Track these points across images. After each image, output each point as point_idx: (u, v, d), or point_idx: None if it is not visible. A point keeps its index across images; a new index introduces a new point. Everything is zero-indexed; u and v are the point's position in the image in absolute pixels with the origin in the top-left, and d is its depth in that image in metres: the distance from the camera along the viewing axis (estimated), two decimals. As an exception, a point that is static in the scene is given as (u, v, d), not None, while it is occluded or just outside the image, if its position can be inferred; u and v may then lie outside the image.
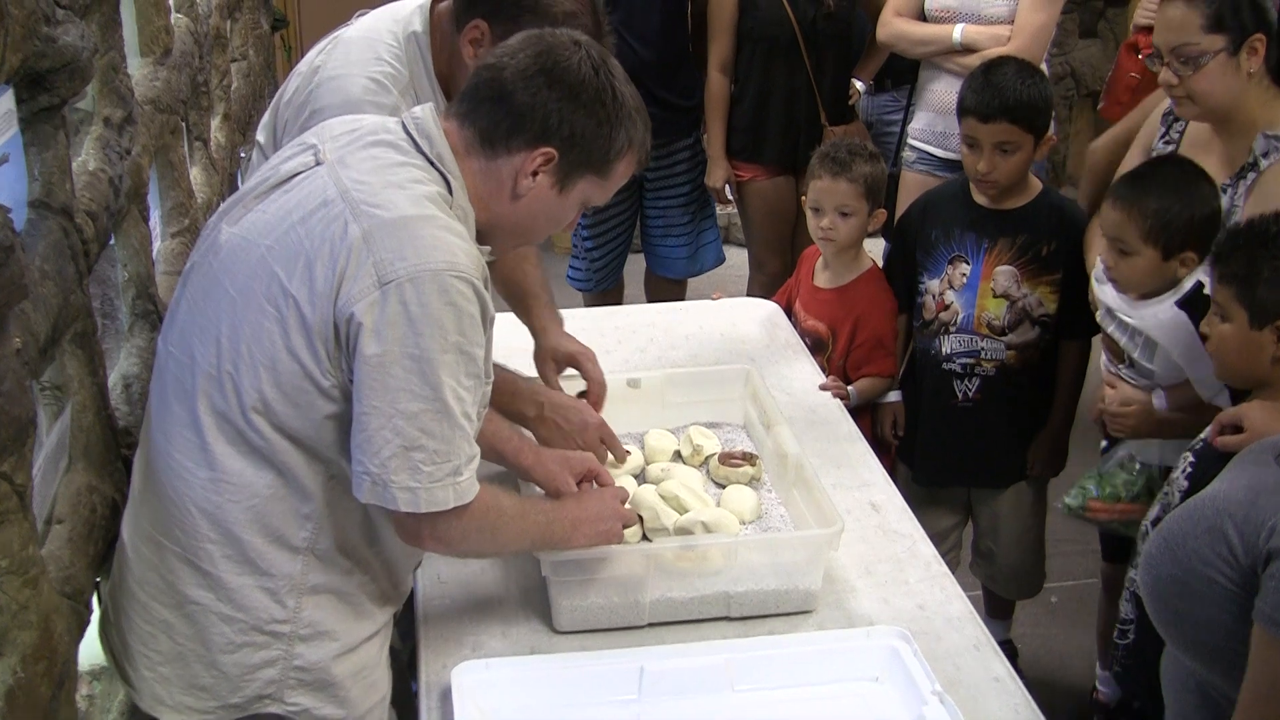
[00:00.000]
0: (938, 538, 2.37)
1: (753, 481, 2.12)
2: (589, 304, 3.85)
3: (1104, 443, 2.51)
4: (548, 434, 2.02)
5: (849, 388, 2.60)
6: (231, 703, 1.60)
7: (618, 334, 2.72)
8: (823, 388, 2.52)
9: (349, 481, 1.54)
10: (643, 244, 3.94)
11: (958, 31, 3.28)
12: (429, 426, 1.49)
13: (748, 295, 3.43)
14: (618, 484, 1.93)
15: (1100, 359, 2.44)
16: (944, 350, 2.67)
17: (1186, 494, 1.86)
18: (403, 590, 1.75)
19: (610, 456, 2.07)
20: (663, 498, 1.97)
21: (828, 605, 1.87)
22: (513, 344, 2.22)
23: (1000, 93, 2.50)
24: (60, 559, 1.46)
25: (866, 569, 1.96)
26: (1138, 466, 2.31)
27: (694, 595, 1.83)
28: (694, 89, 3.70)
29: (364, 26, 2.04)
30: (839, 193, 2.62)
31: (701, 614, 1.84)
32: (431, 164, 1.59)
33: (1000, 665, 1.77)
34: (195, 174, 2.52)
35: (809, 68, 3.54)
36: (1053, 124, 2.62)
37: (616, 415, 2.15)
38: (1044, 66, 3.22)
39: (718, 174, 3.69)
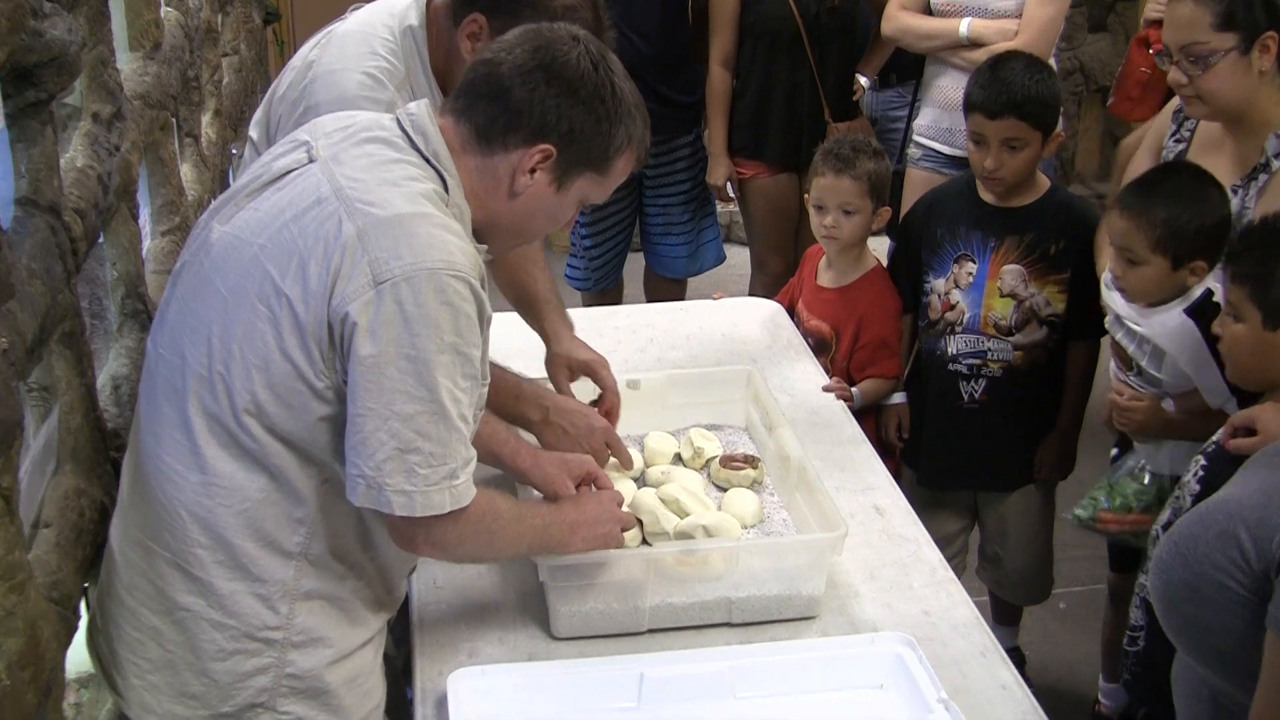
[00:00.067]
0: (943, 542, 2.36)
1: (754, 485, 2.10)
2: (587, 303, 3.84)
3: (1114, 450, 2.50)
4: (553, 438, 2.02)
5: (853, 389, 2.59)
6: (222, 712, 1.59)
7: (617, 334, 2.71)
8: (826, 389, 2.51)
9: (343, 485, 1.53)
10: (642, 242, 3.93)
11: (964, 25, 3.27)
12: (425, 429, 1.48)
13: (749, 295, 3.43)
14: (616, 487, 1.92)
15: (1110, 365, 2.42)
16: (950, 351, 2.65)
17: (1198, 497, 1.85)
18: (397, 595, 1.74)
19: (611, 460, 2.06)
20: (663, 501, 1.96)
21: (831, 611, 1.86)
22: (513, 344, 2.21)
23: (1008, 88, 2.49)
24: (47, 564, 1.46)
25: (871, 574, 1.95)
26: (1148, 476, 2.29)
27: (695, 601, 1.82)
28: (695, 84, 3.69)
29: (359, 20, 2.03)
30: (842, 190, 2.61)
31: (702, 620, 1.83)
32: (427, 161, 1.58)
33: (1007, 673, 1.76)
34: (186, 171, 2.52)
35: (812, 63, 3.53)
36: (1061, 120, 2.62)
37: (616, 417, 2.14)
38: (1052, 61, 3.20)
39: (719, 171, 3.68)
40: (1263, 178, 2.16)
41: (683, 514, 1.94)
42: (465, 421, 1.53)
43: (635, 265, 4.02)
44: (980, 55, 3.03)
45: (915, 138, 3.48)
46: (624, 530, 1.82)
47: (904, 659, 1.69)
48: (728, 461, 2.12)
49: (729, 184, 3.71)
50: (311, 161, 1.58)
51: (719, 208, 4.03)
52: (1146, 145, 2.46)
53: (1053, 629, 3.17)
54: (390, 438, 1.47)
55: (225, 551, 1.55)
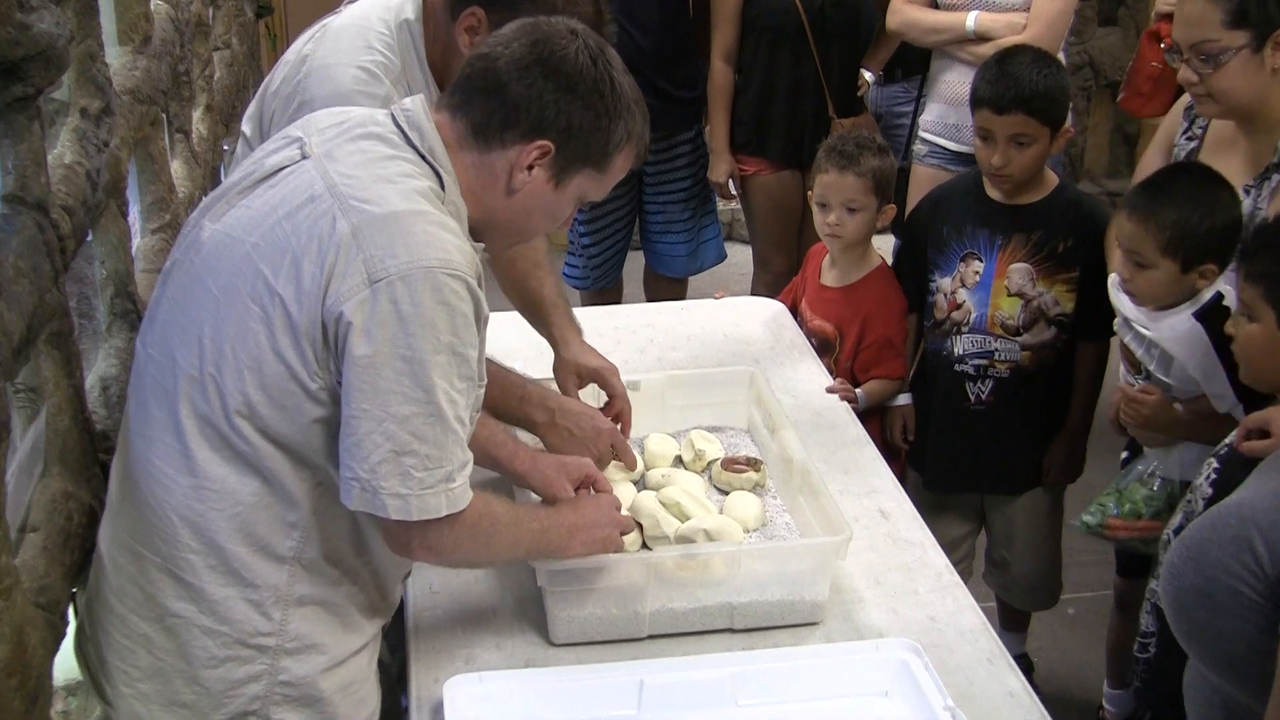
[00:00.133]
0: (949, 546, 2.35)
1: (757, 488, 2.10)
2: (586, 303, 3.84)
3: (1125, 453, 2.48)
4: (558, 441, 2.01)
5: (857, 390, 2.58)
6: (214, 720, 1.58)
7: (616, 334, 2.71)
8: (830, 390, 2.50)
9: (337, 488, 1.52)
10: (642, 241, 3.92)
11: (971, 19, 3.26)
12: (421, 431, 1.47)
13: (752, 294, 3.42)
14: (616, 490, 1.92)
15: (1119, 368, 2.40)
16: (956, 351, 2.64)
17: (1210, 501, 1.84)
18: (392, 601, 1.73)
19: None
20: (663, 504, 1.96)
21: (835, 616, 1.86)
22: (514, 344, 2.19)
23: (1015, 83, 2.47)
24: (34, 569, 1.45)
25: (875, 579, 1.94)
26: (1158, 482, 2.27)
27: (696, 606, 1.81)
28: (696, 80, 3.67)
29: (354, 14, 2.02)
30: (846, 187, 2.59)
31: (703, 626, 1.82)
32: (422, 158, 1.57)
33: (1015, 680, 1.75)
34: (176, 167, 2.51)
35: (816, 58, 3.51)
36: (1070, 116, 2.59)
37: (616, 418, 2.14)
38: (1061, 56, 3.21)
39: (721, 168, 3.67)
40: (1276, 177, 2.14)
41: (684, 517, 1.93)
42: (462, 423, 1.52)
43: (635, 264, 4.02)
44: (987, 49, 3.03)
45: (921, 134, 3.47)
46: (623, 534, 1.81)
47: (910, 666, 1.68)
48: (729, 464, 2.12)
49: (731, 181, 3.70)
50: (305, 158, 1.57)
51: (720, 205, 4.02)
52: (1157, 143, 2.44)
53: (1061, 635, 3.15)
54: (385, 440, 1.46)
55: (217, 556, 1.53)
